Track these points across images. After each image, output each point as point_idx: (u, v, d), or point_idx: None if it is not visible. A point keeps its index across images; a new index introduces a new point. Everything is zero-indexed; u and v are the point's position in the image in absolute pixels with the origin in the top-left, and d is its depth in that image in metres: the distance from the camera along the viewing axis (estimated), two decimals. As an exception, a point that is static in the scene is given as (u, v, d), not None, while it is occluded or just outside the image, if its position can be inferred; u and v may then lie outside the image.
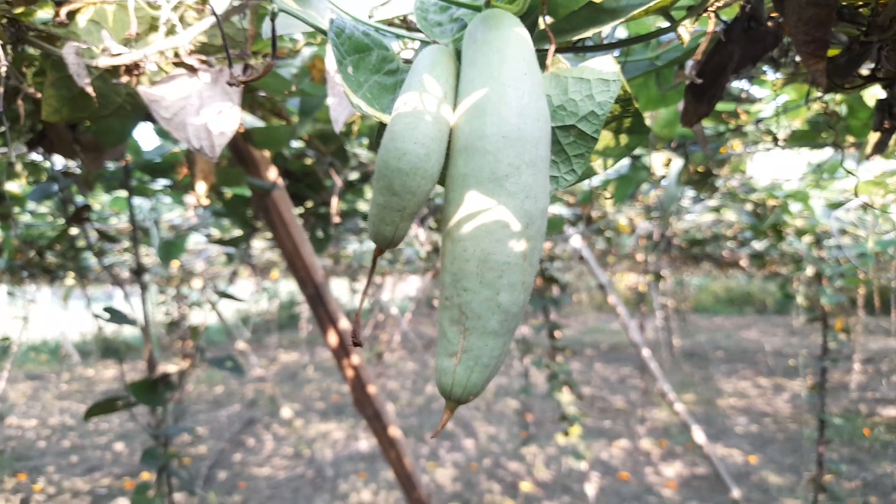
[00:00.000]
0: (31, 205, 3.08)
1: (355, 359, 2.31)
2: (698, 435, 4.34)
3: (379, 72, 0.55)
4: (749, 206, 2.68)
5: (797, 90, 1.48)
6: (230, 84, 0.58)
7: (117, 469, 6.48)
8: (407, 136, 0.48)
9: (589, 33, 0.60)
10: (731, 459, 6.31)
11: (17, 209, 2.98)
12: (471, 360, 0.48)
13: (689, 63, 1.01)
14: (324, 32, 0.56)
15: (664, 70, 1.00)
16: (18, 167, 2.31)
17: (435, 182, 0.50)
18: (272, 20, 0.54)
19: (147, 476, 5.88)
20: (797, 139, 1.63)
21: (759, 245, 5.20)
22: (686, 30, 0.60)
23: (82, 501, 5.61)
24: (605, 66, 0.54)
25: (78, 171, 2.16)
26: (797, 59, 1.18)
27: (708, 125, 1.75)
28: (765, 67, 1.29)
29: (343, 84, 0.51)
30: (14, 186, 2.53)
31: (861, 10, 0.75)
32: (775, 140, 1.40)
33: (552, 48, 0.56)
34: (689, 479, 5.82)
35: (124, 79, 0.85)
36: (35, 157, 2.22)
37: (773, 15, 0.76)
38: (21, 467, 6.55)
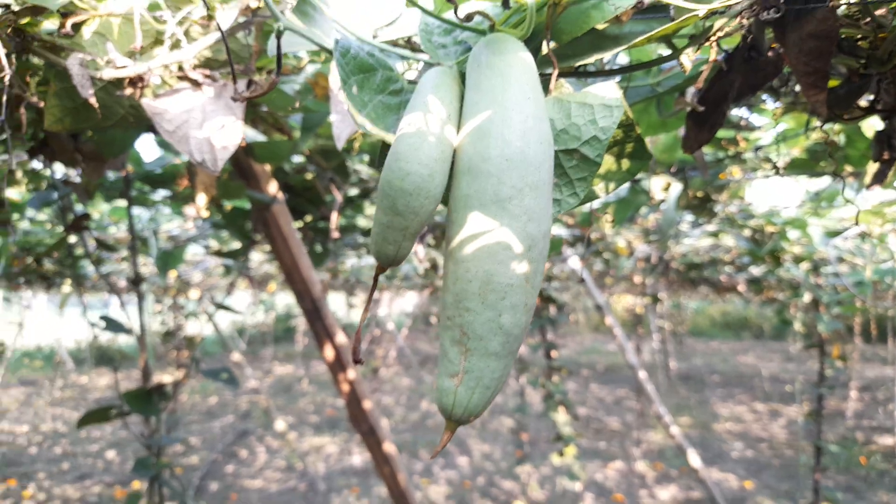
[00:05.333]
0: (30, 212, 3.08)
1: (351, 374, 2.31)
2: (694, 459, 4.32)
3: (383, 91, 0.56)
4: (747, 232, 2.69)
5: (796, 119, 1.49)
6: (234, 99, 0.59)
7: (108, 477, 6.43)
8: (411, 157, 0.48)
9: (591, 59, 0.60)
10: (727, 484, 6.27)
11: (16, 216, 2.98)
12: (472, 381, 0.48)
13: (691, 90, 1.02)
14: (329, 52, 0.56)
15: (665, 96, 1.01)
16: (19, 174, 2.32)
17: (438, 202, 0.50)
18: (278, 38, 0.54)
19: (138, 485, 5.84)
20: (796, 167, 1.64)
21: (756, 270, 5.21)
22: (688, 58, 0.61)
23: (72, 510, 5.56)
24: (609, 91, 0.54)
25: (78, 179, 2.17)
26: (797, 88, 1.19)
27: (707, 151, 1.75)
28: (764, 96, 1.30)
29: (347, 103, 0.51)
30: (14, 193, 2.53)
31: (860, 43, 0.75)
32: (775, 168, 1.41)
33: (555, 73, 0.57)
34: (683, 503, 5.78)
35: (128, 91, 0.86)
36: (36, 164, 2.23)
37: (774, 45, 0.77)
38: (11, 473, 6.50)
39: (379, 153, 0.59)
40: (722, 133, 1.60)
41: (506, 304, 0.47)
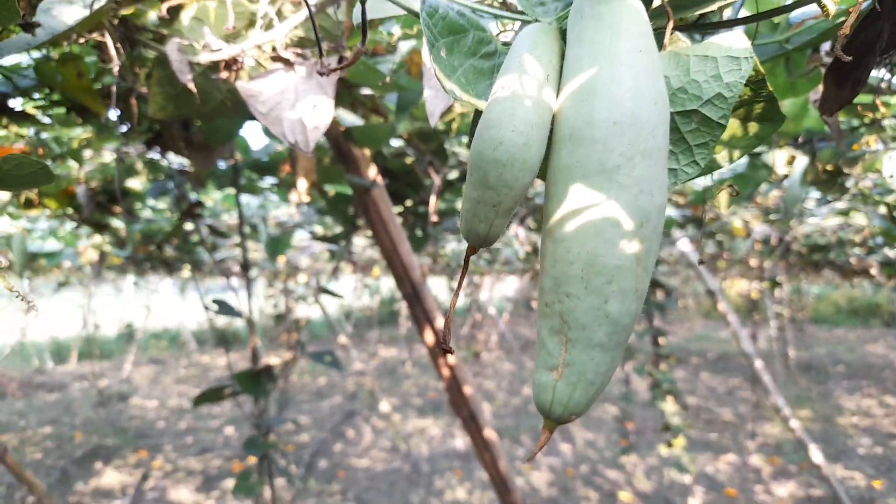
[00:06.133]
0: (151, 201, 3.28)
1: (451, 358, 2.29)
2: (815, 454, 4.02)
3: (475, 55, 0.51)
4: (883, 210, 2.42)
5: (950, 77, 1.30)
6: (320, 73, 0.56)
7: (227, 452, 6.84)
8: (504, 124, 0.43)
9: (713, 7, 0.52)
10: (852, 482, 5.82)
11: (138, 205, 3.17)
12: (573, 376, 0.43)
13: (825, 46, 0.90)
14: (416, 14, 0.52)
15: (795, 54, 0.89)
16: (139, 165, 2.45)
17: (534, 175, 0.45)
18: (363, 4, 0.50)
19: (253, 460, 6.16)
20: None
21: (891, 252, 4.74)
22: (833, 1, 0.51)
23: (195, 480, 5.95)
24: (735, 41, 0.46)
25: (191, 169, 2.27)
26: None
27: (840, 119, 1.58)
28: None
29: (435, 68, 0.47)
30: (136, 183, 2.69)
31: None
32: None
33: (670, 24, 0.49)
34: (803, 501, 5.42)
35: (224, 74, 0.86)
36: (154, 155, 2.35)
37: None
38: (143, 444, 7.05)
39: (471, 123, 0.54)
40: (857, 98, 1.43)
41: (613, 288, 0.41)
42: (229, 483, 5.83)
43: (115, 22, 0.97)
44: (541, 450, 0.45)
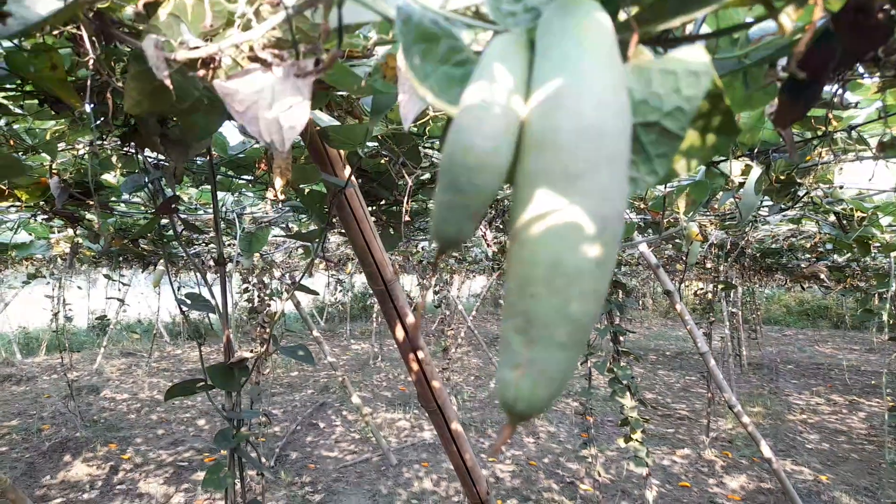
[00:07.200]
0: (126, 195, 3.24)
1: (420, 353, 2.31)
2: (766, 449, 4.13)
3: (447, 62, 0.52)
4: (832, 218, 2.48)
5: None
6: (297, 75, 0.57)
7: (199, 444, 6.78)
8: (474, 129, 0.45)
9: (676, 23, 0.55)
10: (800, 476, 6.00)
11: (114, 199, 3.14)
12: (536, 374, 0.45)
13: (782, 62, 0.93)
14: (391, 21, 0.54)
15: (753, 69, 0.92)
16: (114, 159, 2.43)
17: (503, 179, 0.47)
18: (339, 7, 0.52)
19: (225, 453, 6.14)
20: (894, 148, 1.48)
21: (839, 258, 4.89)
22: (789, 18, 0.54)
23: (166, 472, 5.90)
24: (695, 56, 0.49)
25: (167, 164, 2.25)
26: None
27: (794, 131, 1.62)
28: (861, 70, 1.18)
29: (409, 73, 0.48)
30: (110, 177, 2.66)
31: None
32: (881, 147, 1.28)
33: (635, 38, 0.52)
34: (754, 493, 5.57)
35: (201, 72, 0.86)
36: (129, 149, 2.33)
37: (885, 7, 0.68)
38: (112, 437, 6.96)
39: (443, 129, 0.56)
40: (812, 112, 1.47)
41: (575, 290, 0.43)
42: (201, 475, 5.79)
43: (91, 15, 0.97)
44: (503, 444, 0.47)
